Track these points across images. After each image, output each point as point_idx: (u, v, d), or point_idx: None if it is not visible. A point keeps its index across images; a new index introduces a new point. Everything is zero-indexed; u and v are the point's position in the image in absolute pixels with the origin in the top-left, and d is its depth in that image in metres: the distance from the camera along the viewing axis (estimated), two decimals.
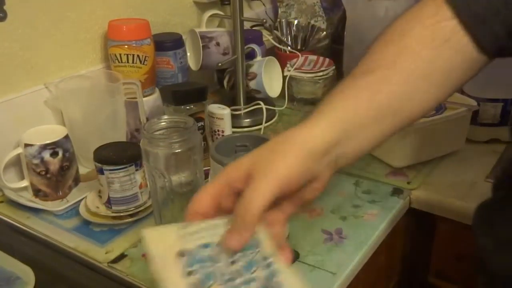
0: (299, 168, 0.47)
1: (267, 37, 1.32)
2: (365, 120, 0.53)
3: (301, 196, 0.51)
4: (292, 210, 0.51)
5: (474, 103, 0.97)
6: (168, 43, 1.09)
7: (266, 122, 1.12)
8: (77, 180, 0.90)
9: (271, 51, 1.32)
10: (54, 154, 0.85)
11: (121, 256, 0.75)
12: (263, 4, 1.44)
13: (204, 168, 0.71)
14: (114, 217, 0.82)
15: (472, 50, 0.55)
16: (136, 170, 0.80)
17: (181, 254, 0.46)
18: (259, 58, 1.17)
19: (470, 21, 0.54)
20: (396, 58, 0.56)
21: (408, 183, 0.91)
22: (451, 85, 0.58)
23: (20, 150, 0.85)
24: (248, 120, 1.13)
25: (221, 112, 0.99)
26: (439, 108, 0.96)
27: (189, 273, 0.45)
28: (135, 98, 0.98)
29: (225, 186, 0.48)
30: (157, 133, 0.68)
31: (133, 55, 0.99)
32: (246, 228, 0.46)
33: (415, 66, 0.55)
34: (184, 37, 1.13)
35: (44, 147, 0.84)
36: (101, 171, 0.80)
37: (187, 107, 0.93)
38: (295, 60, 1.24)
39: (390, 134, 0.56)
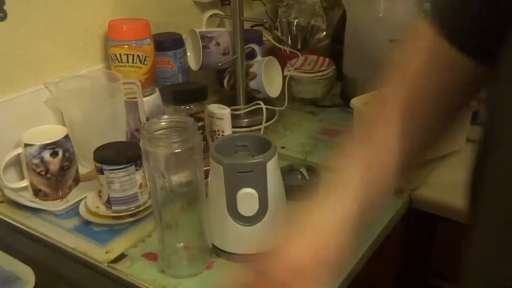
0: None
1: (267, 37, 1.32)
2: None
3: None
4: None
5: (474, 103, 0.97)
6: (168, 43, 1.09)
7: (266, 122, 1.12)
8: (77, 180, 0.90)
9: (271, 51, 1.32)
10: (54, 154, 0.85)
11: (121, 256, 0.75)
12: (263, 4, 1.44)
13: (204, 168, 0.71)
14: (114, 217, 0.82)
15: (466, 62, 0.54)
16: (136, 170, 0.80)
17: None
18: (259, 58, 1.17)
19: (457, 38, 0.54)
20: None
21: (408, 183, 0.91)
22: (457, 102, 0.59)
23: (20, 150, 0.85)
24: (248, 120, 1.13)
25: (221, 112, 0.98)
26: None
27: None
28: (135, 98, 0.98)
29: None
30: (157, 133, 0.68)
31: (133, 55, 0.99)
32: None
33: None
34: (184, 37, 1.13)
35: (44, 147, 0.84)
36: (101, 171, 0.80)
37: (187, 107, 0.93)
38: (295, 60, 1.24)
39: None
